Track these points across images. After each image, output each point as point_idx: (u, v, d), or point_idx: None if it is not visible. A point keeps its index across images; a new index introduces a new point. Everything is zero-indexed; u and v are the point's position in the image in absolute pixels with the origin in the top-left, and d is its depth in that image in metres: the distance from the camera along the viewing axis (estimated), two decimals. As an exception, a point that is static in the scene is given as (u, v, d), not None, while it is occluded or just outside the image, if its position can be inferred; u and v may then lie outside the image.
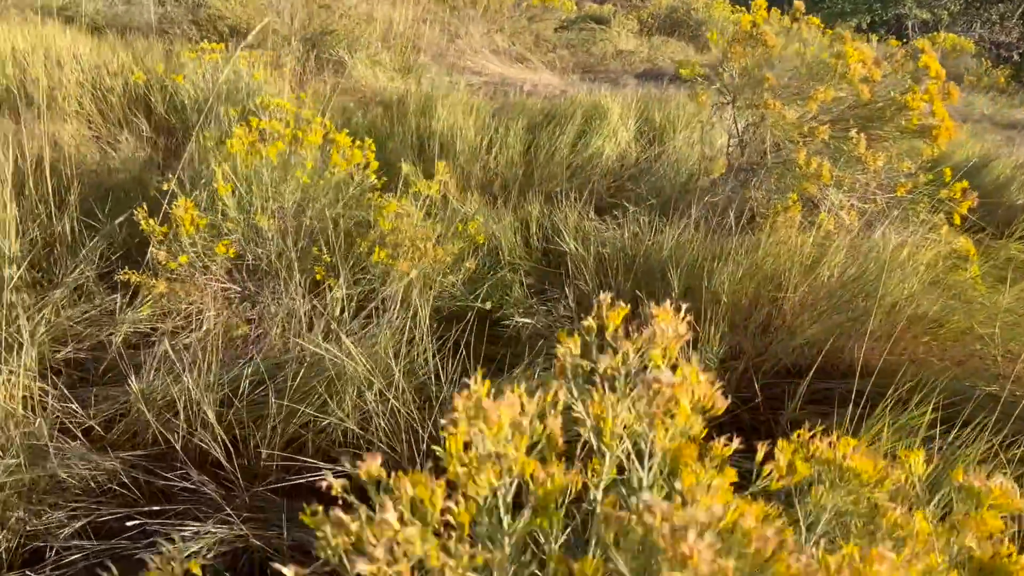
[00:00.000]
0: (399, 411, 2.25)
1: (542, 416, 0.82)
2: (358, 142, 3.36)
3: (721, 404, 0.88)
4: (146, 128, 4.92)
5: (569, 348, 0.99)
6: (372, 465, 0.72)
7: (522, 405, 0.80)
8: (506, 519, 0.76)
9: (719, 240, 3.34)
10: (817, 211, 3.56)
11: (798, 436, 1.04)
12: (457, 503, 0.76)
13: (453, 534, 0.72)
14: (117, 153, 4.29)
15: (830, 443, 1.11)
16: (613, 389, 0.89)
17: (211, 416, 2.39)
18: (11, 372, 2.55)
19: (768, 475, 0.89)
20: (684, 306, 1.07)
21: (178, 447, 2.37)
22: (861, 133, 3.34)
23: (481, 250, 3.37)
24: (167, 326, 3.02)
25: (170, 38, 7.19)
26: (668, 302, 1.05)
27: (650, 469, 0.85)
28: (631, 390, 0.88)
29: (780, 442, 1.01)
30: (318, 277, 3.00)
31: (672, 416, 0.85)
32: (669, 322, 1.07)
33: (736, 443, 0.95)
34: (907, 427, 2.21)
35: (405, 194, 3.15)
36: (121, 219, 3.14)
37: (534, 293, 3.32)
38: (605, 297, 1.08)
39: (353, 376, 2.38)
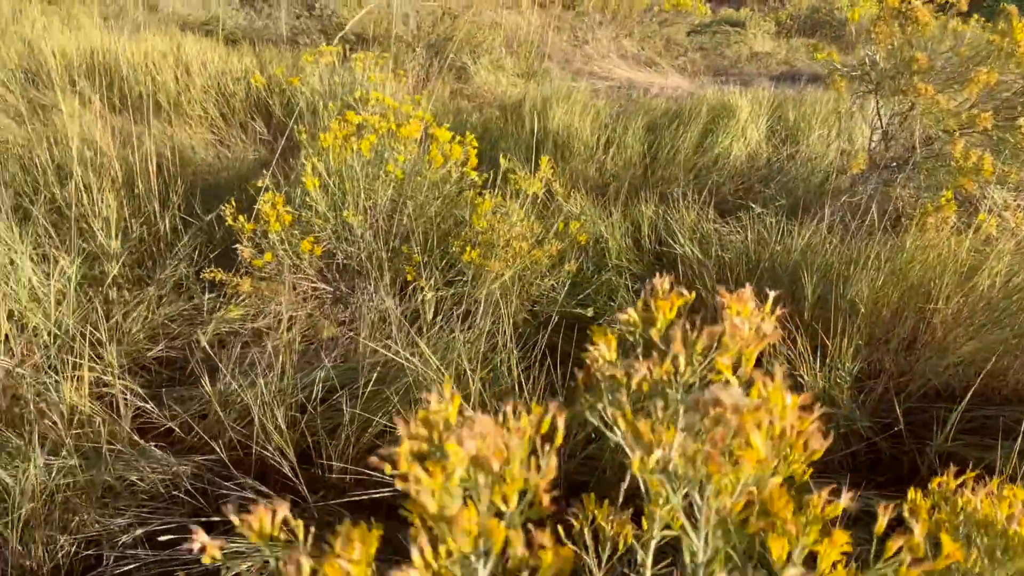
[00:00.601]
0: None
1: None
2: (459, 137, 3.17)
3: (819, 444, 0.59)
4: (264, 131, 4.95)
5: (601, 350, 0.72)
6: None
7: (508, 429, 0.54)
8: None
9: (857, 244, 2.93)
10: (975, 211, 3.08)
11: (940, 486, 0.72)
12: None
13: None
14: (230, 154, 4.30)
15: (990, 494, 0.78)
16: (645, 412, 0.62)
17: (281, 423, 2.24)
18: (89, 370, 2.49)
19: (895, 558, 0.58)
20: (773, 294, 0.78)
21: (252, 454, 2.24)
22: (1031, 120, 2.85)
23: (585, 252, 3.11)
24: (259, 325, 2.92)
25: (299, 48, 7.33)
26: (775, 300, 0.76)
27: (705, 539, 0.57)
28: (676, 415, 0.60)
29: (913, 496, 0.70)
30: (408, 278, 2.82)
31: (737, 461, 0.57)
32: (747, 316, 0.78)
33: (847, 499, 0.65)
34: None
35: (503, 191, 2.93)
36: (210, 217, 3.07)
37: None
38: (662, 281, 0.80)
39: (430, 385, 2.18)
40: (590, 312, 2.90)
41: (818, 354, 2.30)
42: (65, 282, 3.02)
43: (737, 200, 4.10)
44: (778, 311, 0.88)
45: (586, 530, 0.79)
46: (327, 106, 3.31)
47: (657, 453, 0.56)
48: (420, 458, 0.52)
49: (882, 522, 0.62)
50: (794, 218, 3.33)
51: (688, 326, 0.78)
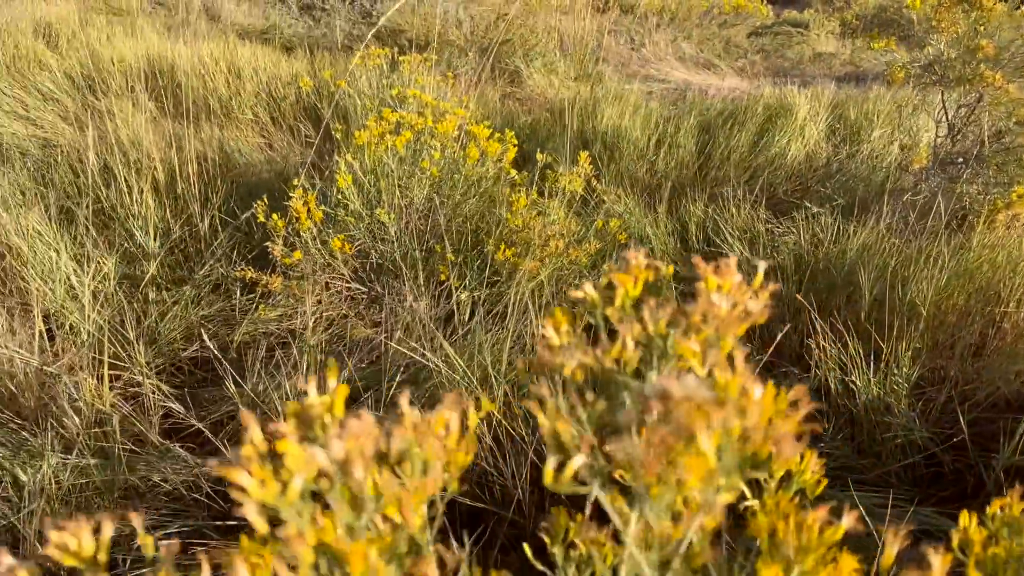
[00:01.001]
0: (498, 430, 1.92)
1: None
2: (497, 134, 3.08)
3: (790, 450, 0.47)
4: (312, 134, 4.95)
5: (549, 333, 0.61)
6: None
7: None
8: None
9: (918, 243, 2.74)
10: (1051, 208, 2.86)
11: (1003, 510, 0.59)
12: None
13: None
14: (276, 156, 4.30)
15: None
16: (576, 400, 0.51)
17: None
18: (122, 369, 2.48)
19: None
20: (763, 264, 0.66)
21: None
22: (1113, 109, 2.63)
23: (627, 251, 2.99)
24: (293, 326, 2.88)
25: (353, 54, 7.36)
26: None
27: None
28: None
29: (967, 523, 0.57)
30: (442, 278, 2.74)
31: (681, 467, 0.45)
32: (728, 291, 0.65)
33: (849, 520, 0.53)
34: None
35: (542, 189, 2.83)
36: (245, 216, 3.04)
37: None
38: (636, 253, 0.69)
39: (457, 388, 2.08)
40: (632, 314, 2.77)
41: (872, 359, 2.13)
42: (103, 281, 3.03)
43: (793, 200, 3.92)
44: (771, 286, 0.76)
45: (558, 549, 0.68)
46: (366, 105, 3.26)
47: (577, 459, 0.45)
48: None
49: (890, 553, 0.50)
50: (852, 218, 3.15)
51: (655, 304, 0.66)
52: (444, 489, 0.47)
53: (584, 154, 2.84)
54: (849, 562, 0.55)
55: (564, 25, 9.11)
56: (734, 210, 3.24)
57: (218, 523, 2.08)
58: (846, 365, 2.09)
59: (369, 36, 3.02)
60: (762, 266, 0.79)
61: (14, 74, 5.11)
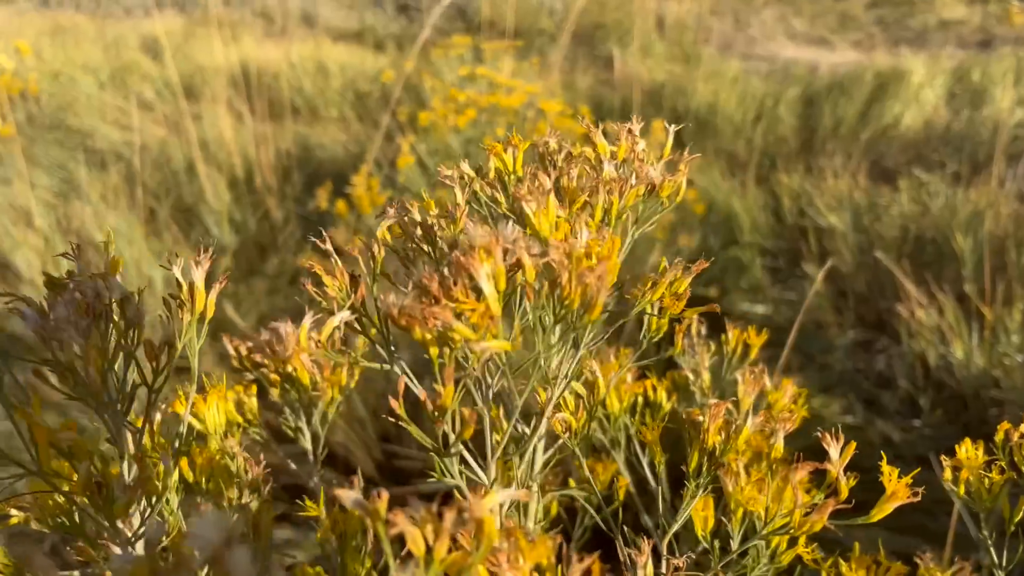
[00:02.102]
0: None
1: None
2: (568, 110, 2.91)
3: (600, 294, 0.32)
4: (394, 126, 4.92)
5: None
6: None
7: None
8: None
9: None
10: None
11: None
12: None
13: None
14: (353, 148, 4.27)
15: None
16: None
17: (364, 413, 2.09)
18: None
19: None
20: (673, 127, 0.51)
21: (336, 443, 2.10)
22: None
23: (710, 226, 2.75)
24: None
25: (442, 48, 7.32)
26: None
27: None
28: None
29: None
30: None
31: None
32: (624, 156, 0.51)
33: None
34: None
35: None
36: (313, 205, 2.99)
37: (777, 277, 2.63)
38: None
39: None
40: (714, 292, 2.54)
41: (976, 328, 1.84)
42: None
43: (903, 168, 3.57)
44: (687, 157, 0.59)
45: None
46: (435, 88, 3.16)
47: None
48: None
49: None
50: (965, 184, 2.81)
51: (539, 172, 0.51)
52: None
53: (658, 122, 2.63)
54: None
55: (663, 7, 8.81)
56: (832, 180, 2.94)
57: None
58: (944, 334, 1.81)
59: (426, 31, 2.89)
60: (672, 129, 0.65)
61: (118, 84, 5.30)
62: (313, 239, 0.51)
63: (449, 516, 0.33)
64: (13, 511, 0.57)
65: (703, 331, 0.86)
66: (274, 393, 0.66)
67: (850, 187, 3.00)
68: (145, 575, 0.30)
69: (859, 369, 2.25)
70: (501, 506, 0.50)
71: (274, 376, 0.65)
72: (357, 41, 7.63)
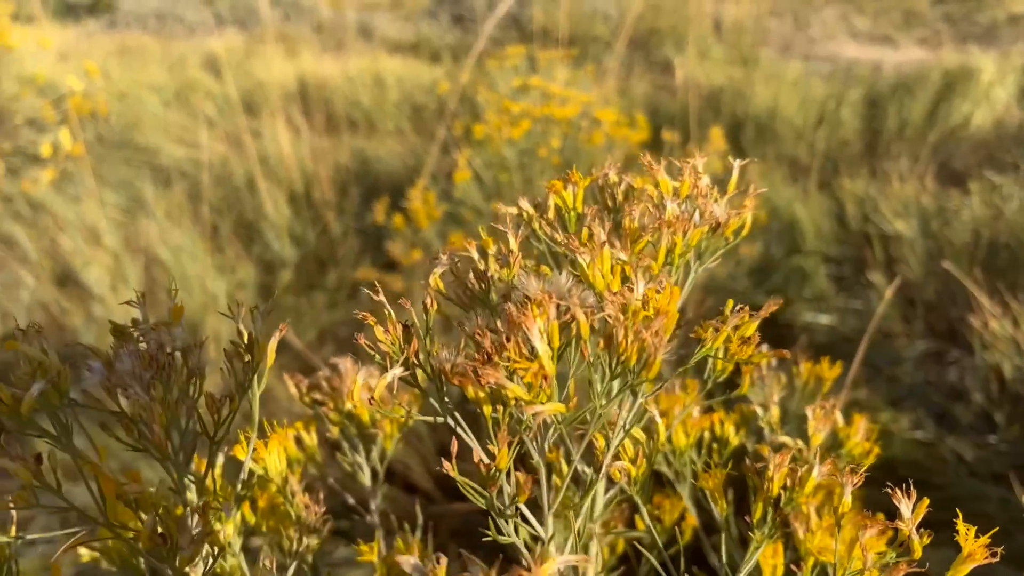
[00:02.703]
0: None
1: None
2: (624, 119, 2.89)
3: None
4: (450, 138, 4.95)
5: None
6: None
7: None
8: None
9: None
10: None
11: None
12: None
13: None
14: (410, 161, 4.31)
15: None
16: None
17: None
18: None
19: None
20: (738, 162, 0.48)
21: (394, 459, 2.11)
22: None
23: (772, 234, 2.70)
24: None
25: (497, 58, 7.35)
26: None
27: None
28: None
29: None
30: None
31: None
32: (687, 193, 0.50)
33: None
34: None
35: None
36: (370, 220, 3.03)
37: (842, 286, 2.56)
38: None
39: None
40: (777, 303, 2.49)
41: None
42: (240, 288, 3.10)
43: (973, 170, 3.45)
44: (753, 190, 0.57)
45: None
46: (489, 100, 3.17)
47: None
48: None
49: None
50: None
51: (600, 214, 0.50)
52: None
53: (716, 130, 2.59)
54: None
55: (720, 10, 8.71)
56: (897, 184, 2.86)
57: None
58: (1020, 345, 1.74)
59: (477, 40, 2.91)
60: (737, 164, 0.63)
61: (182, 102, 5.45)
62: (367, 291, 0.50)
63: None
64: (83, 550, 0.58)
65: (773, 362, 0.84)
66: (334, 431, 0.67)
67: (917, 191, 2.92)
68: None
69: (929, 382, 2.18)
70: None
71: (333, 414, 0.65)
72: (413, 53, 7.71)
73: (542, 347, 0.40)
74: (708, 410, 0.77)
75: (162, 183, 4.09)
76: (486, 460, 0.41)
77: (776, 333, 2.39)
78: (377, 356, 0.47)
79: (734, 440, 0.74)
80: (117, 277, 3.07)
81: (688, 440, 0.71)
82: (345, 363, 0.66)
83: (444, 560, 0.33)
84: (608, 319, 0.43)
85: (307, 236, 3.38)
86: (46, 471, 0.39)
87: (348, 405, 0.65)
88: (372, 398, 0.42)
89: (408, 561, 0.32)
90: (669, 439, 0.69)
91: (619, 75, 6.49)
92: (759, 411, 0.80)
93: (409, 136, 5.09)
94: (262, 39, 7.70)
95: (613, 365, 0.44)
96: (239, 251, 3.33)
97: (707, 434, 0.74)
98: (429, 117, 5.22)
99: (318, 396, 0.67)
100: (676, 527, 0.72)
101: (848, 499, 0.52)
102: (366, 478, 0.68)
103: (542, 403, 0.39)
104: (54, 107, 4.96)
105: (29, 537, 0.43)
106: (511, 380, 0.39)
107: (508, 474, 0.42)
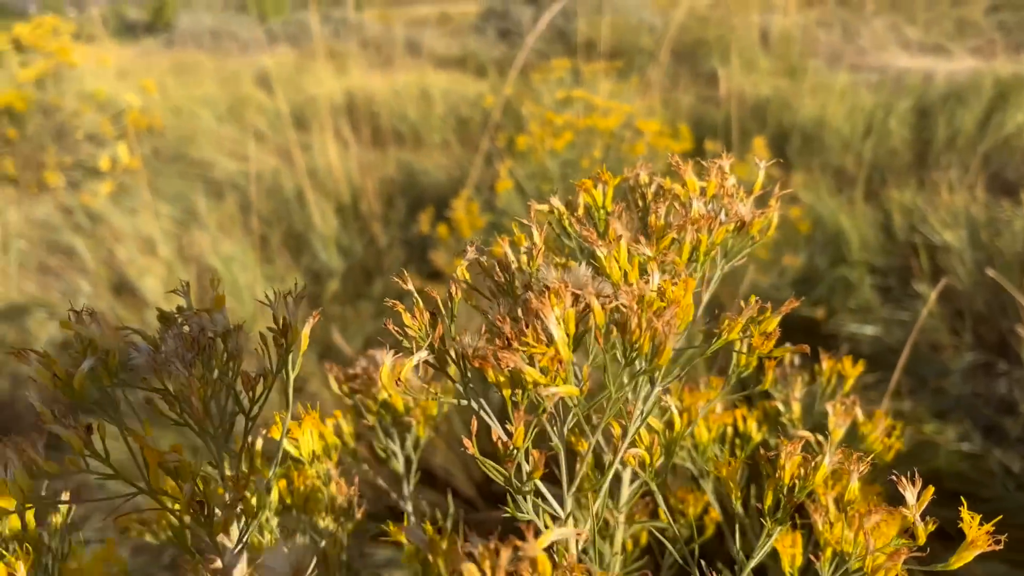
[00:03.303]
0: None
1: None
2: (667, 129, 2.90)
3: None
4: (494, 150, 5.00)
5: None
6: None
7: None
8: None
9: None
10: None
11: None
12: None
13: None
14: (455, 173, 4.36)
15: None
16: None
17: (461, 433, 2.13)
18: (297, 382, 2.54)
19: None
20: (764, 163, 0.50)
21: (434, 466, 2.15)
22: None
23: (814, 243, 2.67)
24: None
25: (543, 71, 7.40)
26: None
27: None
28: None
29: None
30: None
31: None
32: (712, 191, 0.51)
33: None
34: None
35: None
36: (413, 230, 3.07)
37: (888, 296, 2.53)
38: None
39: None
40: (820, 313, 2.47)
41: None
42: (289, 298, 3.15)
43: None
44: (778, 191, 0.58)
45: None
46: (533, 112, 3.20)
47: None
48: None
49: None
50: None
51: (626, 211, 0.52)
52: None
53: (759, 140, 2.59)
54: None
55: (766, 21, 8.65)
56: (946, 195, 2.82)
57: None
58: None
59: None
60: (763, 165, 0.64)
61: (235, 116, 5.60)
62: (396, 279, 0.53)
63: (505, 554, 0.35)
64: (134, 524, 0.62)
65: (796, 360, 0.84)
66: (370, 418, 0.70)
67: (967, 201, 2.87)
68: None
69: (977, 394, 2.14)
70: (579, 540, 0.51)
71: (370, 402, 0.68)
72: (459, 67, 7.80)
73: (558, 333, 0.42)
74: (732, 407, 0.78)
75: (215, 195, 4.20)
76: (504, 438, 0.43)
77: (820, 343, 2.36)
78: (405, 341, 0.50)
79: (756, 436, 0.75)
80: (171, 286, 3.16)
81: (711, 435, 0.73)
82: (381, 354, 0.69)
83: (450, 535, 0.35)
84: (622, 308, 0.45)
85: (354, 247, 3.44)
86: (95, 440, 0.43)
87: (383, 395, 0.68)
88: (399, 380, 0.45)
89: (414, 533, 0.34)
90: (692, 433, 0.70)
91: (664, 87, 6.49)
92: (781, 407, 0.81)
93: (454, 149, 5.15)
94: (312, 55, 7.86)
95: (627, 352, 0.46)
96: (288, 261, 3.41)
97: (730, 430, 0.75)
98: (474, 130, 5.27)
99: (355, 385, 0.70)
100: (698, 521, 0.73)
101: (855, 485, 0.52)
102: (399, 465, 0.71)
103: (557, 386, 0.41)
104: (113, 122, 5.13)
105: (77, 502, 0.46)
106: (530, 365, 0.41)
107: (527, 454, 0.44)
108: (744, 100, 5.98)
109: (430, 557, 0.35)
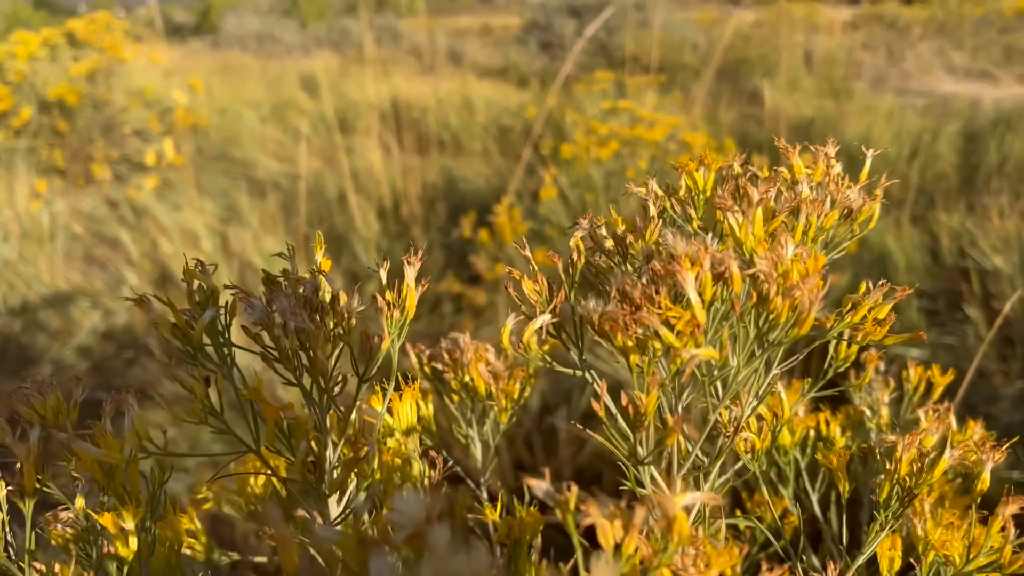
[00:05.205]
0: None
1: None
2: (713, 142, 2.88)
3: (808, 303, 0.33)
4: (535, 160, 5.00)
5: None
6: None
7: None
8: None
9: None
10: None
11: None
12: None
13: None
14: (496, 181, 4.37)
15: None
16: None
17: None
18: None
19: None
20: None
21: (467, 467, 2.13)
22: None
23: (859, 264, 2.64)
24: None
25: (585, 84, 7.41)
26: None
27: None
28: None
29: None
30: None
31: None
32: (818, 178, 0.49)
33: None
34: None
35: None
36: (456, 234, 3.08)
37: (934, 320, 2.48)
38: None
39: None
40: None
41: None
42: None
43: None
44: (884, 182, 0.57)
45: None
46: (577, 122, 3.20)
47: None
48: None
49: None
50: None
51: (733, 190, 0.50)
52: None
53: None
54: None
55: (811, 42, 8.60)
56: (997, 220, 2.77)
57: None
58: None
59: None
60: (870, 153, 0.63)
61: (278, 118, 5.66)
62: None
63: (640, 512, 0.33)
64: (209, 494, 0.62)
65: (882, 367, 0.83)
66: (454, 398, 0.69)
67: (1018, 227, 2.81)
68: (352, 545, 0.31)
69: (1029, 421, 2.09)
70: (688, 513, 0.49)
71: (454, 383, 0.68)
72: (501, 78, 7.83)
73: (695, 297, 0.41)
74: (814, 410, 0.76)
75: (257, 194, 4.24)
76: (636, 403, 0.42)
77: (864, 366, 2.32)
78: (524, 307, 0.49)
79: (840, 441, 0.74)
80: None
81: (793, 439, 0.71)
82: (464, 338, 0.69)
83: (575, 488, 0.34)
84: (761, 275, 0.44)
85: (394, 249, 3.45)
86: (211, 393, 0.42)
87: (467, 378, 0.67)
88: (520, 342, 0.44)
89: (540, 485, 0.33)
90: (774, 436, 0.69)
91: (707, 103, 6.46)
92: (867, 412, 0.79)
93: (495, 157, 5.16)
94: (355, 61, 7.94)
95: (761, 323, 0.45)
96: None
97: (812, 433, 0.74)
98: (515, 139, 5.28)
99: (438, 366, 0.70)
100: (779, 523, 0.72)
101: (987, 476, 0.51)
102: (477, 450, 0.70)
103: (696, 349, 0.40)
104: (160, 119, 5.21)
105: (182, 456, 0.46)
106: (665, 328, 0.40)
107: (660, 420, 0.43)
108: (788, 119, 5.94)
109: (559, 513, 0.34)
